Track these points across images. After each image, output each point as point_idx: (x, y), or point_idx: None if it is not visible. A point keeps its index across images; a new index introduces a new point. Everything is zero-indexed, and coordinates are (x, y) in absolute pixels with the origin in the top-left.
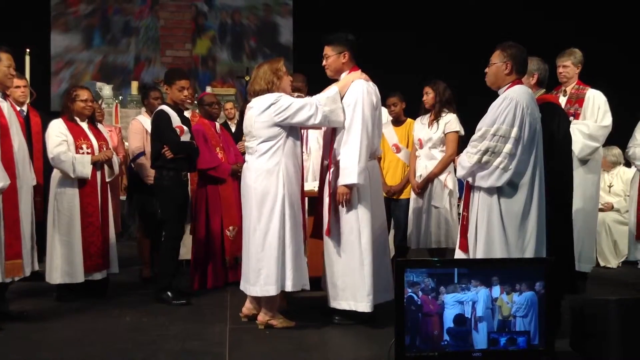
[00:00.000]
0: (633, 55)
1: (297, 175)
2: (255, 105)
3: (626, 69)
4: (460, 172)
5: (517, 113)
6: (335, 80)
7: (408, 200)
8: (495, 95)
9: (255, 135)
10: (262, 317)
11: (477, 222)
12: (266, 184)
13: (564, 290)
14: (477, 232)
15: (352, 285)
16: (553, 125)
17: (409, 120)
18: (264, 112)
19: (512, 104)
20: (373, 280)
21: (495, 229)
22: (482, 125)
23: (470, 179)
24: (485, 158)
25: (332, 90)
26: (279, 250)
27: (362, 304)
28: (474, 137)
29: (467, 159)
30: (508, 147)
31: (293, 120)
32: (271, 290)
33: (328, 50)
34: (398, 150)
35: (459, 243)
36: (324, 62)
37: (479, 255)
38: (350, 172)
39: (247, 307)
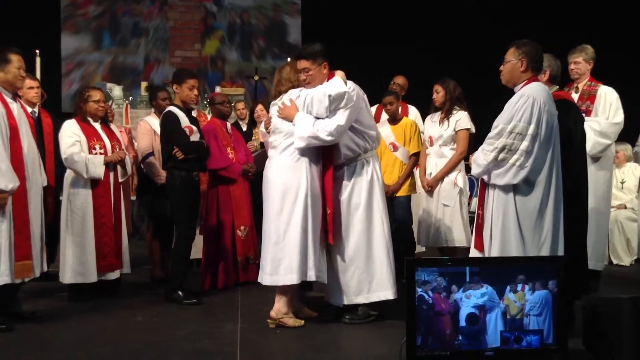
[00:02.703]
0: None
1: (319, 169)
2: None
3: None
4: (476, 170)
5: (534, 110)
6: None
7: (407, 197)
8: (510, 94)
9: (281, 129)
10: (274, 314)
11: (492, 220)
12: (290, 176)
13: (579, 289)
14: (492, 231)
15: (374, 278)
16: (569, 123)
17: (405, 118)
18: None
19: (529, 101)
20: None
21: (511, 226)
22: (499, 123)
23: (485, 177)
24: (501, 156)
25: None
26: (302, 239)
27: (388, 292)
28: (491, 134)
29: (483, 156)
30: (525, 144)
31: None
32: (294, 279)
33: (308, 64)
34: (395, 148)
35: (474, 242)
36: (303, 76)
37: (494, 253)
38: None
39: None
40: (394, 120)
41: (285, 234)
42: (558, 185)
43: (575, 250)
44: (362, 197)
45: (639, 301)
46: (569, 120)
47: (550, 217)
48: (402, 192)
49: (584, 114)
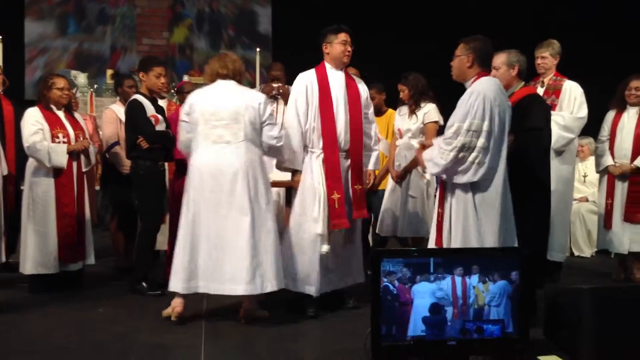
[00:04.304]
0: (611, 45)
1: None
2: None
3: (604, 60)
4: (434, 169)
5: (485, 106)
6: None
7: (385, 191)
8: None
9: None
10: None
11: (452, 217)
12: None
13: (543, 279)
14: (453, 227)
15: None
16: (541, 116)
17: (390, 110)
18: None
19: (479, 97)
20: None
21: (470, 222)
22: (454, 122)
23: (444, 176)
24: (461, 155)
25: None
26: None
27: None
28: (447, 134)
29: (441, 156)
30: (481, 141)
31: None
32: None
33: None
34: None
35: (435, 240)
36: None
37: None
38: None
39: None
40: (377, 112)
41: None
42: (506, 178)
43: (540, 242)
44: None
45: (599, 291)
46: (540, 114)
47: (507, 210)
48: (382, 186)
49: None
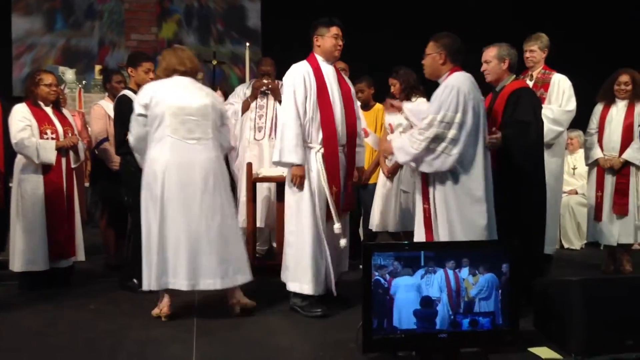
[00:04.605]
0: (597, 40)
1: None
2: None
3: (591, 54)
4: (404, 158)
5: (459, 99)
6: None
7: (375, 185)
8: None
9: None
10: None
11: (436, 211)
12: None
13: (536, 272)
14: (439, 220)
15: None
16: (529, 110)
17: (377, 105)
18: None
19: (454, 91)
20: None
21: (454, 216)
22: (429, 113)
23: (413, 164)
24: (432, 145)
25: None
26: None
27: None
28: (421, 124)
29: (412, 145)
30: (452, 132)
31: None
32: None
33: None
34: (366, 134)
35: (426, 236)
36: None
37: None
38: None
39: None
40: (365, 106)
41: None
42: (489, 169)
43: (535, 234)
44: None
45: (588, 283)
46: (526, 108)
47: (489, 199)
48: (373, 180)
49: None
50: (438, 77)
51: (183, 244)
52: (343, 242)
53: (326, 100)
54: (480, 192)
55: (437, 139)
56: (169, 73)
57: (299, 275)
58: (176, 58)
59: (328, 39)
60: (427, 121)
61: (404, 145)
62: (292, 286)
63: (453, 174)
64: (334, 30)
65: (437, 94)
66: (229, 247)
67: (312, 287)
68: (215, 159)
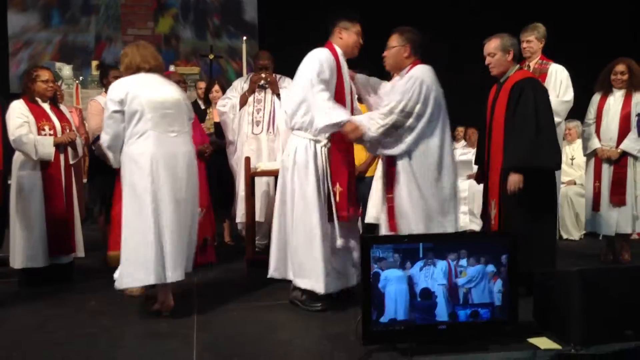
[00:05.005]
0: (597, 28)
1: None
2: None
3: (588, 44)
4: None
5: (422, 90)
6: None
7: (372, 177)
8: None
9: None
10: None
11: (402, 199)
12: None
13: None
14: (404, 208)
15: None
16: (536, 102)
17: None
18: None
19: (417, 82)
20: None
21: (415, 198)
22: (391, 101)
23: (368, 145)
24: (389, 131)
25: None
26: None
27: None
28: (384, 110)
29: (370, 127)
30: (410, 121)
31: None
32: None
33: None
34: None
35: (389, 225)
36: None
37: (406, 227)
38: None
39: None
40: (362, 99)
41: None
42: (451, 155)
43: (546, 225)
44: None
45: (586, 273)
46: (542, 96)
47: (449, 184)
48: (370, 173)
49: None
50: (399, 70)
51: (174, 237)
52: (339, 242)
53: (341, 92)
54: (440, 179)
55: (394, 126)
56: (132, 71)
57: (308, 272)
58: (140, 56)
59: (353, 34)
60: (388, 108)
61: (362, 125)
62: (301, 283)
63: (412, 163)
64: (359, 27)
65: (402, 84)
66: (191, 239)
67: (323, 286)
68: (192, 152)
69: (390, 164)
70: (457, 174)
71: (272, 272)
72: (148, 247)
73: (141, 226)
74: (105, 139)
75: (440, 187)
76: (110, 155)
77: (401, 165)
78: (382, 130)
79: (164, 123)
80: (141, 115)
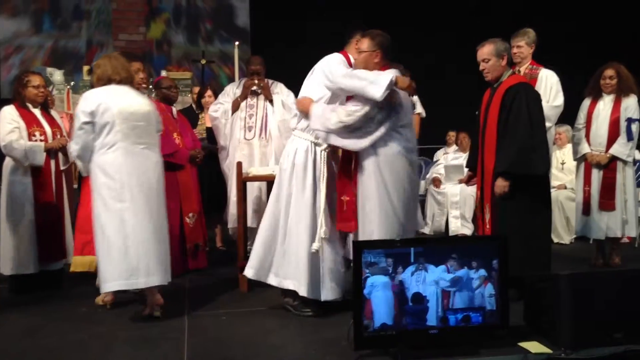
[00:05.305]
0: (586, 34)
1: None
2: None
3: (578, 49)
4: (316, 125)
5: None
6: None
7: None
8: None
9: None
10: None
11: (364, 197)
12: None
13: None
14: (369, 207)
15: None
16: (529, 108)
17: None
18: None
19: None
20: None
21: (371, 202)
22: (359, 102)
23: (323, 134)
24: (349, 129)
25: None
26: None
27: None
28: (350, 108)
29: (331, 119)
30: (373, 125)
31: None
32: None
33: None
34: None
35: (343, 226)
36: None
37: (375, 223)
38: None
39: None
40: None
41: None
42: (399, 160)
43: (540, 230)
44: None
45: (576, 277)
46: (519, 108)
47: (402, 190)
48: None
49: None
50: None
51: (149, 244)
52: (315, 245)
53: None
54: (394, 183)
55: (354, 127)
56: (103, 82)
57: (298, 275)
58: (111, 68)
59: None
60: (353, 109)
61: (324, 115)
62: (288, 284)
63: (375, 166)
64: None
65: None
66: (166, 246)
67: (306, 290)
68: (161, 163)
69: (350, 160)
70: (418, 181)
71: (248, 270)
72: (119, 255)
73: (113, 236)
74: (74, 149)
75: (404, 190)
76: (79, 164)
77: (366, 162)
78: (340, 126)
79: (134, 135)
80: (112, 127)
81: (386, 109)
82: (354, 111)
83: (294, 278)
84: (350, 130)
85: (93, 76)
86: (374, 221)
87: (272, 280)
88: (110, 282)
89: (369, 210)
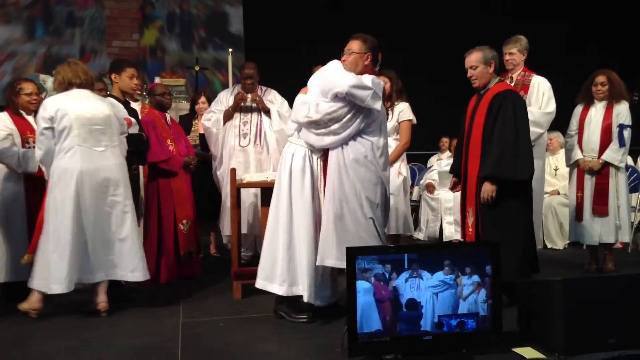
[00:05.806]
0: (577, 40)
1: None
2: None
3: (571, 55)
4: (292, 116)
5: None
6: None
7: None
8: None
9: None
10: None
11: (334, 190)
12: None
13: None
14: (325, 207)
15: None
16: (515, 115)
17: None
18: None
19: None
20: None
21: (343, 205)
22: (333, 104)
23: (296, 126)
24: (313, 126)
25: None
26: None
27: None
28: (322, 107)
29: (301, 112)
30: (335, 126)
31: None
32: None
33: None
34: None
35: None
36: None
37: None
38: None
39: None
40: None
41: None
42: (371, 163)
43: (526, 235)
44: None
45: (570, 282)
46: (505, 116)
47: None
48: None
49: None
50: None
51: (96, 243)
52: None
53: None
54: (367, 187)
55: (320, 125)
56: (65, 87)
57: (302, 280)
58: (71, 72)
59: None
60: (325, 107)
61: (298, 108)
62: (295, 290)
63: (337, 167)
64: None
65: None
66: (140, 244)
67: (307, 295)
68: (122, 164)
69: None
70: (385, 186)
71: (258, 280)
72: (60, 256)
73: (58, 236)
74: (38, 154)
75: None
76: (44, 168)
77: (331, 162)
78: (307, 120)
79: (92, 138)
80: (69, 131)
81: (357, 113)
82: (323, 109)
83: (300, 284)
84: (316, 127)
85: (54, 83)
86: (326, 226)
87: (279, 290)
88: (42, 282)
89: (325, 211)
